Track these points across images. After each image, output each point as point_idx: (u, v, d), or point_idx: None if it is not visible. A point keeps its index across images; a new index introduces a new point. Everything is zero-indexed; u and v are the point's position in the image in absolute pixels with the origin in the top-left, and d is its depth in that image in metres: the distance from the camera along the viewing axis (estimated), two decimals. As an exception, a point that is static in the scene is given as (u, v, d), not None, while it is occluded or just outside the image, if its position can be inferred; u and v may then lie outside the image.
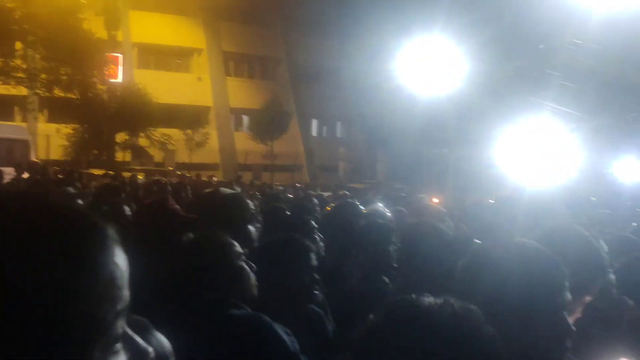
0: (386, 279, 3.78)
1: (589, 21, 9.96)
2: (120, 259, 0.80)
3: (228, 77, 41.71)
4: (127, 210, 4.48)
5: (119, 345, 0.79)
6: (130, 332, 0.81)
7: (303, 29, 40.40)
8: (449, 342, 1.03)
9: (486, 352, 1.04)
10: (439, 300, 1.10)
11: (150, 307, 1.66)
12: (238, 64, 42.88)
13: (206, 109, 38.38)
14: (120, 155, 30.94)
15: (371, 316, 1.13)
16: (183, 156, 33.18)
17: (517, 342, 1.42)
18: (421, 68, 12.20)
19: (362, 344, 1.07)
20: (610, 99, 12.23)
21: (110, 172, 16.73)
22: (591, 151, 12.00)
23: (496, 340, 1.06)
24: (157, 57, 40.69)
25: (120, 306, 0.80)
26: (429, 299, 1.10)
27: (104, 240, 0.80)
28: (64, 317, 0.74)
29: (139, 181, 14.86)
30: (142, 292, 1.01)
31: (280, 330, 2.34)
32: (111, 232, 0.81)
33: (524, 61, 11.51)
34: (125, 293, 0.81)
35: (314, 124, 43.25)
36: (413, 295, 1.11)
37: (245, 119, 40.59)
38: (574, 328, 1.65)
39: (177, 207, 2.89)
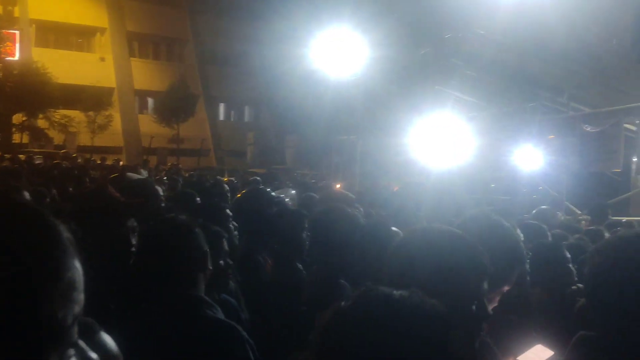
0: (299, 266, 3.85)
1: (493, 13, 10.26)
2: (77, 261, 0.75)
3: (132, 58, 40.50)
4: (26, 195, 4.27)
5: (72, 351, 0.73)
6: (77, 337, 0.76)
7: (211, 10, 39.70)
8: (421, 335, 1.07)
9: (451, 346, 1.09)
10: (406, 292, 1.14)
11: (100, 307, 1.56)
12: (143, 44, 41.66)
13: (109, 90, 37.10)
14: (18, 138, 29.62)
15: (333, 311, 1.12)
16: (85, 139, 32.13)
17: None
18: (330, 55, 12.26)
19: (328, 339, 1.08)
20: (510, 89, 12.70)
21: (7, 155, 15.93)
22: (491, 139, 12.44)
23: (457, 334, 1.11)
24: (57, 35, 38.94)
25: (77, 309, 0.74)
26: (397, 291, 1.14)
27: (63, 241, 0.74)
28: (24, 321, 0.67)
29: (37, 164, 14.22)
30: (96, 291, 0.94)
31: (248, 345, 2.26)
32: (66, 232, 0.75)
33: (430, 50, 11.76)
34: (82, 296, 0.76)
35: (222, 107, 42.76)
36: (379, 288, 1.15)
37: (150, 101, 39.67)
38: (491, 313, 1.70)
39: (117, 193, 2.75)
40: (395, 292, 1.12)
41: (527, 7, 9.67)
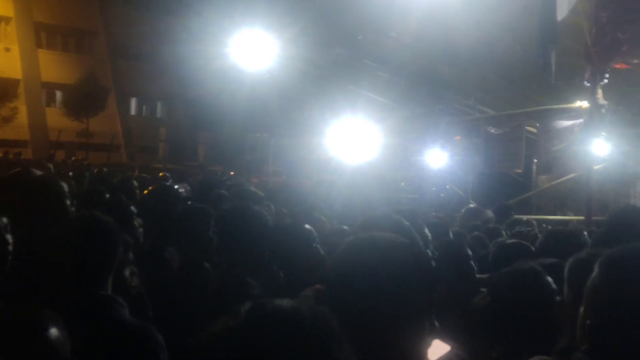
0: (207, 265, 3.83)
1: (404, 17, 10.48)
2: None
3: (40, 49, 38.86)
4: None
5: None
6: None
7: (123, 3, 38.64)
8: (310, 349, 1.08)
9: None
10: (296, 304, 1.14)
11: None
12: (51, 35, 40.02)
13: (15, 82, 35.45)
14: None
15: (226, 320, 1.12)
16: (-14, 132, 30.70)
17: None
18: (245, 52, 12.21)
19: (216, 354, 1.07)
20: (420, 91, 13.03)
21: None
22: (401, 139, 12.74)
23: (345, 345, 1.13)
24: (-44, 23, 36.91)
25: None
26: (287, 303, 1.14)
27: None
28: None
29: None
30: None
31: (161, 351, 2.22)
32: None
33: (343, 51, 11.91)
34: None
35: (134, 102, 41.75)
36: (270, 300, 1.14)
37: (59, 94, 38.23)
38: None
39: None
40: (285, 304, 1.13)
41: (438, 13, 9.93)
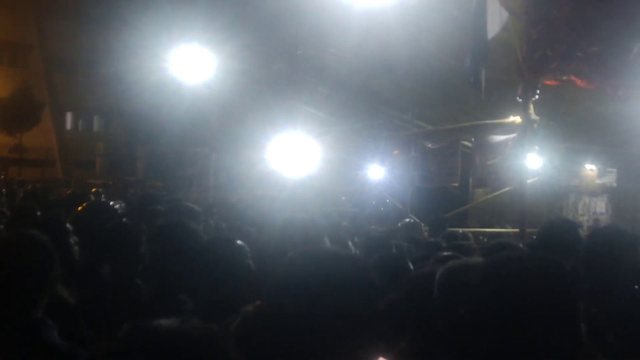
0: (139, 282, 3.82)
1: (344, 33, 10.57)
2: None
3: (-29, 64, 37.65)
4: None
5: None
6: None
7: (60, 16, 37.82)
8: None
9: None
10: (180, 324, 1.13)
11: None
12: (-17, 49, 38.84)
13: (-57, 96, 34.23)
14: None
15: (107, 343, 1.12)
16: None
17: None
18: (183, 66, 12.10)
19: None
20: (359, 106, 13.16)
21: None
22: (342, 153, 12.83)
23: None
24: None
25: None
26: (170, 323, 1.13)
27: None
28: None
29: None
30: None
31: None
32: None
33: (283, 65, 11.94)
34: None
35: (69, 117, 40.79)
36: (147, 324, 1.13)
37: (-9, 108, 37.05)
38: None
39: None
40: (166, 325, 1.12)
41: (376, 30, 10.07)
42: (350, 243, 3.31)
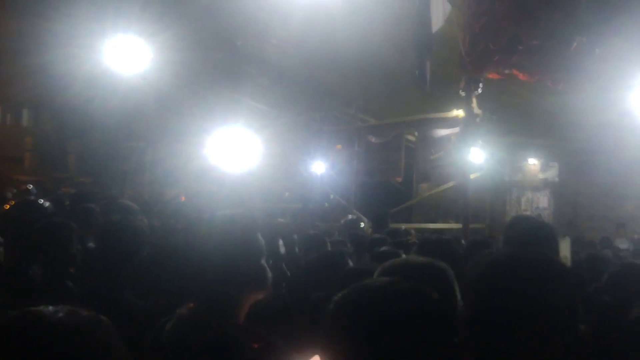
0: (69, 283, 3.65)
1: (285, 24, 10.37)
2: None
3: None
4: None
5: None
6: None
7: (-19, 3, 36.47)
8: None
9: None
10: (64, 311, 1.18)
11: None
12: None
13: None
14: None
15: None
16: None
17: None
18: (117, 57, 11.59)
19: None
20: (302, 99, 12.95)
21: None
22: (284, 148, 12.57)
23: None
24: None
25: None
26: (52, 311, 1.18)
27: None
28: None
29: None
30: None
31: None
32: None
33: (222, 56, 11.60)
34: None
35: (-5, 109, 39.47)
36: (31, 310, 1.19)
37: None
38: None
39: None
40: (43, 310, 1.18)
41: (319, 21, 9.88)
42: (280, 242, 3.32)
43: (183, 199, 11.45)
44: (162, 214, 8.06)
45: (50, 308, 1.17)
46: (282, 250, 4.01)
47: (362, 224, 8.64)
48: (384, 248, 4.15)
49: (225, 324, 2.27)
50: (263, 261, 2.47)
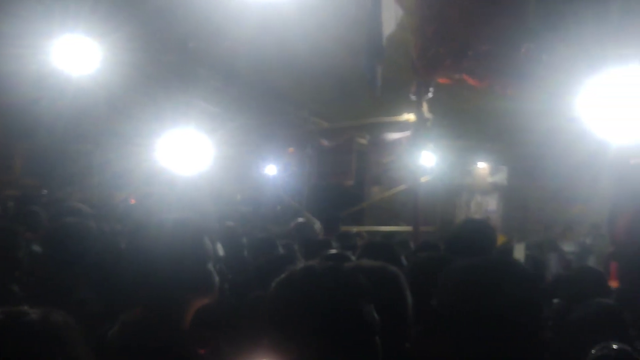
0: (15, 288, 3.60)
1: (239, 26, 10.32)
2: None
3: None
4: None
5: None
6: None
7: None
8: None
9: None
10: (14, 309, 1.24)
11: None
12: None
13: None
14: None
15: None
16: None
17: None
18: (65, 58, 11.35)
19: None
20: (255, 101, 12.91)
21: None
22: (236, 150, 12.51)
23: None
24: None
25: None
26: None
27: None
28: None
29: None
30: None
31: None
32: None
33: (174, 58, 11.48)
34: None
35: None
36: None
37: None
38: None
39: None
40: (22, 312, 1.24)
41: (272, 24, 9.87)
42: (219, 245, 3.36)
43: (133, 201, 11.28)
44: (111, 216, 7.93)
45: (24, 309, 1.23)
46: (221, 252, 4.03)
47: (316, 227, 8.67)
48: (333, 251, 4.18)
49: (171, 329, 2.26)
50: (210, 266, 2.46)
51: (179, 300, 2.33)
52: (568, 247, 13.56)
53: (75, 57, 11.37)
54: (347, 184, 11.99)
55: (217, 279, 2.47)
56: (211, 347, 2.37)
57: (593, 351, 2.45)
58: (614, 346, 2.48)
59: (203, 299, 2.44)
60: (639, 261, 5.73)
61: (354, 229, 9.45)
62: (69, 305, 3.06)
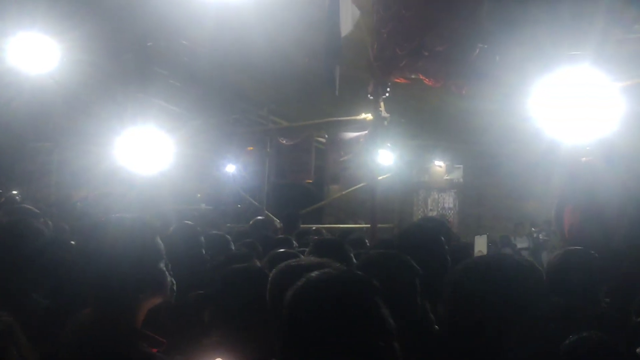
0: None
1: (197, 25, 10.30)
2: None
3: None
4: None
5: None
6: None
7: None
8: None
9: None
10: None
11: None
12: None
13: None
14: None
15: None
16: None
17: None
18: (22, 56, 11.19)
19: None
20: (214, 100, 12.89)
21: None
22: (196, 149, 12.49)
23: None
24: None
25: None
26: None
27: None
28: None
29: None
30: None
31: None
32: None
33: (132, 57, 11.40)
34: None
35: None
36: None
37: None
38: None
39: None
40: None
41: (231, 23, 9.88)
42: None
43: (92, 200, 11.21)
44: (69, 215, 7.89)
45: None
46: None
47: (276, 224, 8.74)
48: (282, 250, 4.23)
49: (123, 329, 2.25)
50: (162, 265, 2.44)
51: (130, 300, 2.31)
52: (521, 243, 13.88)
53: (33, 56, 11.24)
54: (306, 182, 12.07)
55: (169, 279, 2.46)
56: (164, 347, 2.38)
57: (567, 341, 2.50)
58: (588, 334, 2.47)
59: (155, 299, 2.42)
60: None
61: (314, 226, 9.53)
62: (18, 307, 3.05)
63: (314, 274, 1.85)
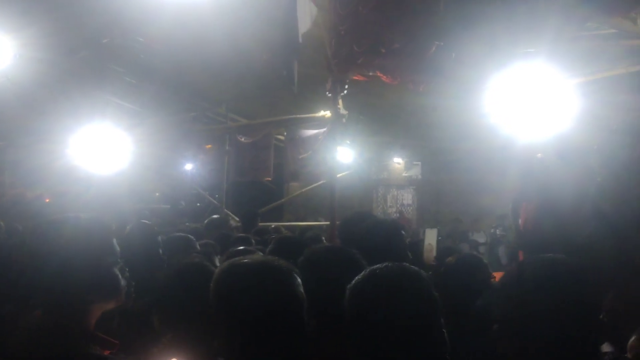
0: None
1: (153, 22, 10.19)
2: None
3: None
4: None
5: None
6: None
7: None
8: None
9: None
10: None
11: None
12: None
13: None
14: None
15: None
16: None
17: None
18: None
19: None
20: (172, 98, 12.77)
21: None
22: (154, 148, 12.35)
23: None
24: None
25: None
26: None
27: None
28: None
29: None
30: None
31: None
32: None
33: (87, 54, 11.22)
34: None
35: None
36: None
37: None
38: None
39: None
40: None
41: (189, 21, 9.80)
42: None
43: (48, 200, 11.01)
44: (22, 216, 7.75)
45: None
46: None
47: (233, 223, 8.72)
48: (239, 247, 4.23)
49: (73, 332, 2.22)
50: (116, 269, 2.40)
51: (81, 303, 2.27)
52: (479, 238, 14.11)
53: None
54: (266, 180, 12.05)
55: (123, 282, 2.42)
56: (117, 348, 2.35)
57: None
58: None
59: (108, 303, 2.39)
60: (545, 250, 6.00)
61: (272, 224, 9.53)
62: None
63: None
